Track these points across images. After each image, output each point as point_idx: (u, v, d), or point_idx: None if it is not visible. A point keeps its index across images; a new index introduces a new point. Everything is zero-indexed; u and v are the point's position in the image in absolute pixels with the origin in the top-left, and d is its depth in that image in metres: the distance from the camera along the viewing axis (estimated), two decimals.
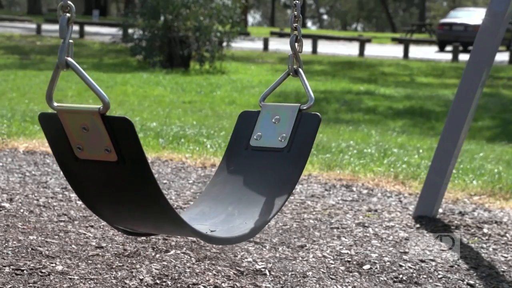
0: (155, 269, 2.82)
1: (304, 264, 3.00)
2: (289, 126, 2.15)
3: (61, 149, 1.64)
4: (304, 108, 2.16)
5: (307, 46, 24.69)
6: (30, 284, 2.59)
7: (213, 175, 2.18)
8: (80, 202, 3.81)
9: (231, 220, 2.01)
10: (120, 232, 1.87)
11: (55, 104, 1.57)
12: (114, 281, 2.67)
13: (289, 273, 2.88)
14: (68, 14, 1.57)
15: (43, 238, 3.12)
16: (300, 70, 2.19)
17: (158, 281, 2.69)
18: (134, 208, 1.70)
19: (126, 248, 3.04)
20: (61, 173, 4.51)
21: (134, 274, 2.75)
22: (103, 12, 41.05)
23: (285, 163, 2.11)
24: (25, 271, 2.71)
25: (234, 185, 2.12)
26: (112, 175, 1.62)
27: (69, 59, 1.55)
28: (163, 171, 4.78)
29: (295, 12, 2.16)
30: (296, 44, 2.17)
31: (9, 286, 2.57)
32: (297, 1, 2.16)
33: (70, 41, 1.56)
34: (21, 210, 3.57)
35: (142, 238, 3.20)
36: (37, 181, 4.28)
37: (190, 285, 2.69)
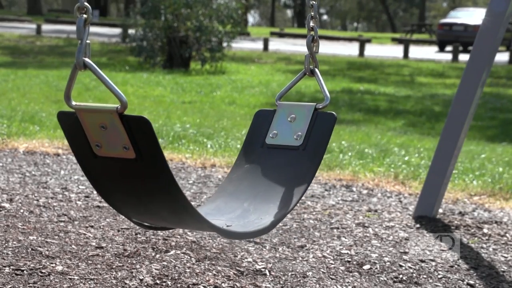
0: (155, 269, 2.82)
1: (304, 264, 3.00)
2: (304, 124, 2.18)
3: (80, 146, 1.67)
4: (320, 107, 2.20)
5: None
6: (30, 284, 2.59)
7: (229, 172, 2.21)
8: (80, 202, 3.81)
9: (246, 215, 2.04)
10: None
11: (74, 103, 1.62)
12: (114, 281, 2.67)
13: (289, 273, 2.88)
14: (85, 15, 1.61)
15: (43, 238, 3.12)
16: (316, 70, 2.25)
17: (158, 281, 2.69)
18: (152, 203, 1.73)
19: (126, 248, 3.04)
20: (61, 172, 4.53)
21: (134, 274, 2.75)
22: (103, 12, 41.06)
23: (301, 161, 2.13)
24: (25, 271, 2.71)
25: (250, 182, 2.15)
26: (130, 172, 1.66)
27: (87, 59, 1.59)
28: None
29: (312, 13, 2.18)
30: (312, 44, 2.19)
31: (9, 286, 2.57)
32: (314, 2, 2.18)
33: (88, 41, 1.60)
34: (21, 210, 3.57)
35: (142, 238, 3.20)
36: (37, 181, 4.28)
37: (190, 285, 2.69)
